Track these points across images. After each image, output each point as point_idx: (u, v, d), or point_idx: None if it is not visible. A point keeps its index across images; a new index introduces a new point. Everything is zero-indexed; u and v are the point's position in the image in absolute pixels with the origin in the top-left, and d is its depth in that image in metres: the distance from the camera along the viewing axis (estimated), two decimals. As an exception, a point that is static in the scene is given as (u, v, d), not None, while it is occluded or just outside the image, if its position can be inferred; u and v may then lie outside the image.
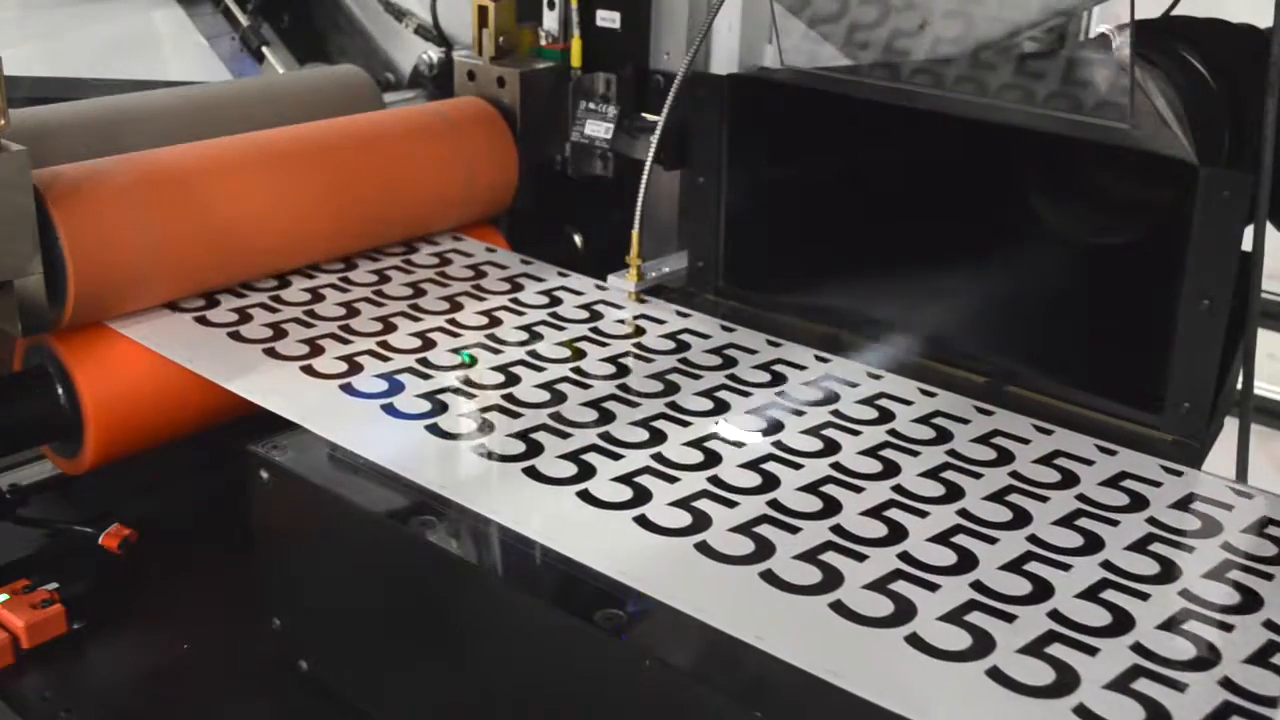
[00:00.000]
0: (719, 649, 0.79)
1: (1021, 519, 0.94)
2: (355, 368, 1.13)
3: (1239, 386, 1.18)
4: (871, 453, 1.02)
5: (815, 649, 0.77)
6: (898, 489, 0.97)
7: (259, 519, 1.02)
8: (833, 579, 0.85)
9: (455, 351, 1.17)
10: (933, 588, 0.84)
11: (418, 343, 1.19)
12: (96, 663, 1.06)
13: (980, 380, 1.19)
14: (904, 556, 0.88)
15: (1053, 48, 1.19)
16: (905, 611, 0.82)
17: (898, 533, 0.91)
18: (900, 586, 0.84)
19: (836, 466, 1.00)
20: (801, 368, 1.18)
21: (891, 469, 1.00)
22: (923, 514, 0.93)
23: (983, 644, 0.79)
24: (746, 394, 1.11)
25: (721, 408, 1.09)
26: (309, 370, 1.12)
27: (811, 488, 0.96)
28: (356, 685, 1.00)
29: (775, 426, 1.06)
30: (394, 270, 1.36)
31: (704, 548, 0.87)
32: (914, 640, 0.79)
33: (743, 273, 1.38)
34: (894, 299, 1.27)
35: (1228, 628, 0.83)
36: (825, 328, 1.28)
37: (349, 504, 0.95)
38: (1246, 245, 1.07)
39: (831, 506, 0.94)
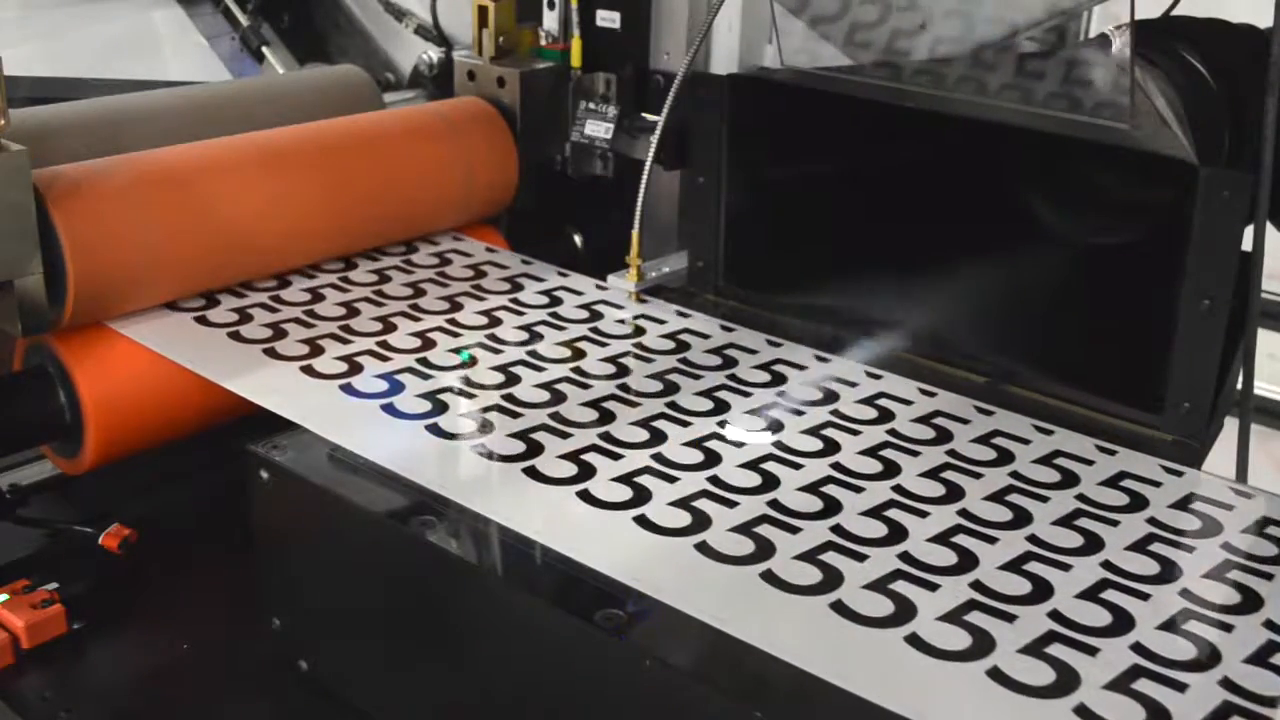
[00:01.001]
0: (719, 649, 0.79)
1: (1022, 519, 0.94)
2: (355, 368, 1.13)
3: (1239, 386, 1.18)
4: (871, 452, 1.02)
5: (817, 650, 0.77)
6: (898, 489, 0.97)
7: (259, 519, 1.02)
8: (833, 579, 0.85)
9: (455, 351, 1.17)
10: (933, 587, 0.84)
11: (418, 342, 1.18)
12: (96, 663, 1.06)
13: (980, 380, 1.19)
14: (904, 556, 0.88)
15: (1053, 48, 1.19)
16: (905, 611, 0.82)
17: (899, 533, 0.91)
18: (900, 586, 0.84)
19: (836, 466, 1.00)
20: (802, 368, 1.18)
21: (892, 469, 1.00)
22: (923, 514, 0.93)
23: (983, 644, 0.79)
24: (747, 394, 1.11)
25: (721, 408, 1.08)
26: (309, 370, 1.12)
27: (811, 487, 0.96)
28: (356, 685, 1.00)
29: (776, 426, 1.06)
30: (394, 270, 1.36)
31: (704, 548, 0.87)
32: (914, 640, 0.79)
33: (743, 273, 1.38)
34: (894, 299, 1.27)
35: (1228, 628, 0.83)
36: (825, 328, 1.28)
37: (349, 504, 0.95)
38: (1246, 245, 1.07)
39: (831, 507, 0.94)
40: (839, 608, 0.82)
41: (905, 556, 0.88)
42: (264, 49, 1.97)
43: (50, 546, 1.19)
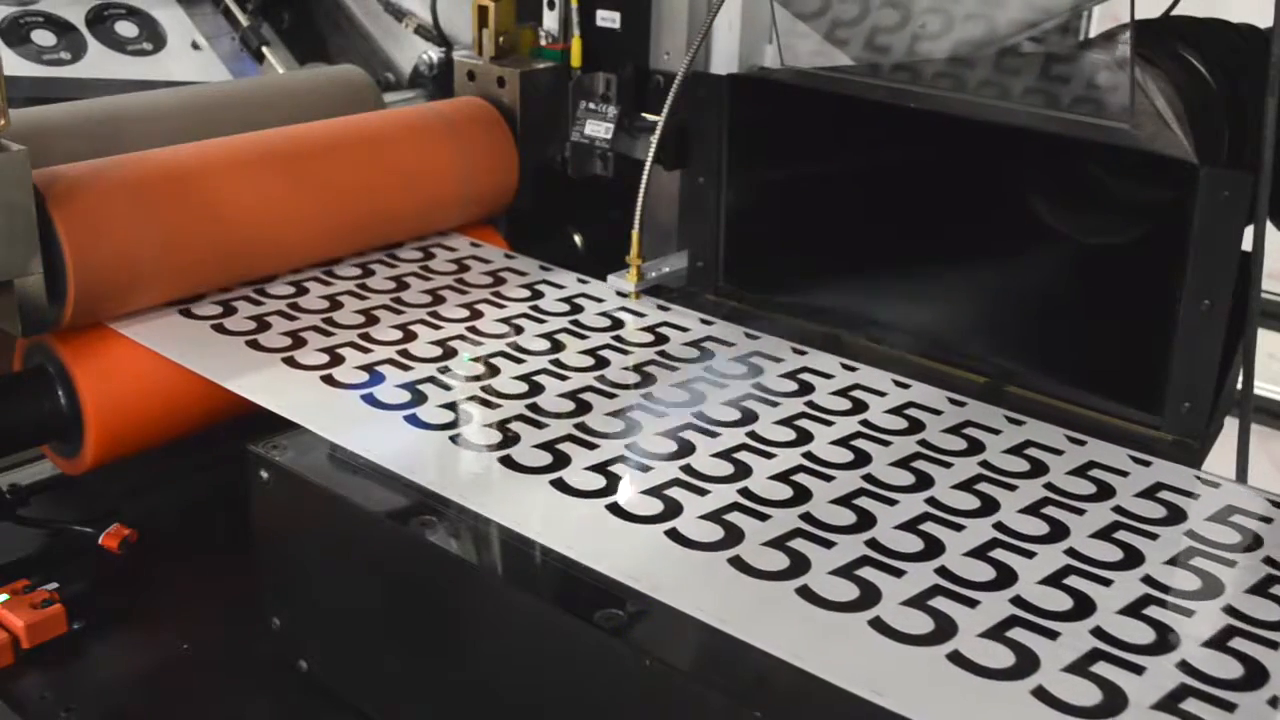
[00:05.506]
0: (719, 649, 0.79)
1: (989, 507, 0.95)
2: (375, 376, 1.11)
3: (1239, 386, 1.18)
4: (843, 442, 1.03)
5: (817, 650, 0.77)
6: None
7: (259, 519, 1.02)
8: (800, 565, 0.85)
9: (467, 356, 1.17)
10: (899, 573, 0.85)
11: (438, 350, 1.18)
12: (96, 663, 1.06)
13: (980, 380, 1.19)
14: (871, 544, 0.89)
15: (1053, 48, 1.19)
16: (870, 597, 0.83)
17: (866, 520, 0.92)
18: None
19: (809, 456, 1.01)
20: (829, 376, 1.16)
21: (863, 459, 1.01)
22: (892, 501, 0.95)
23: (945, 629, 0.80)
24: (775, 404, 1.10)
25: (749, 417, 1.07)
26: (329, 380, 1.11)
27: (783, 476, 0.98)
28: (356, 685, 1.00)
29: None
30: (412, 277, 1.35)
31: (736, 561, 0.87)
32: (877, 624, 0.80)
33: (743, 273, 1.38)
34: (894, 299, 1.27)
35: (1188, 613, 0.83)
36: (825, 328, 1.28)
37: (349, 504, 0.95)
38: (1246, 245, 1.07)
39: (801, 495, 0.95)
40: (804, 591, 0.82)
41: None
42: (264, 49, 1.97)
43: (50, 546, 1.19)
